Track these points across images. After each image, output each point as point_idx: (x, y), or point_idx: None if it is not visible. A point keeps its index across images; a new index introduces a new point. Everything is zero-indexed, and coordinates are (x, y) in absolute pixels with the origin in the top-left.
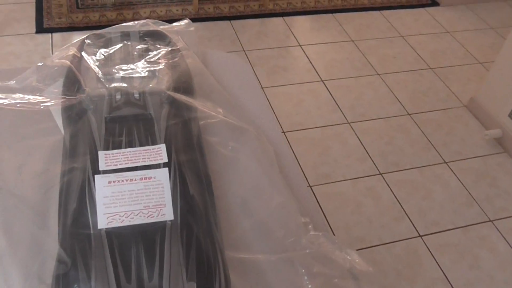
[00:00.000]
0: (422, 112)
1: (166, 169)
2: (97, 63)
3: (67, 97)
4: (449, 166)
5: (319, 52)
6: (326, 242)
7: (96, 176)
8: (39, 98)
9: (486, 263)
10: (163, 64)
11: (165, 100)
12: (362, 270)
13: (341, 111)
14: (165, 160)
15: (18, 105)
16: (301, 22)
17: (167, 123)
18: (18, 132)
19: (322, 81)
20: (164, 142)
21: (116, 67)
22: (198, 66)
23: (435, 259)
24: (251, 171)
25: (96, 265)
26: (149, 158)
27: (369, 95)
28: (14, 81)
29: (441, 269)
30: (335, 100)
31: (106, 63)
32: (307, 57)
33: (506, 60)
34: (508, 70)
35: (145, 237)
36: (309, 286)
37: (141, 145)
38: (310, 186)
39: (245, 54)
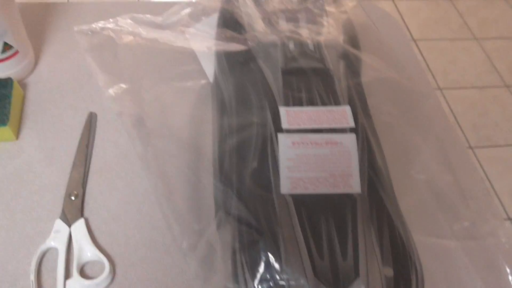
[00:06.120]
0: None
1: (354, 135)
2: (257, 5)
3: (226, 39)
4: None
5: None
6: None
7: (279, 134)
8: (188, 38)
9: None
10: (330, 13)
11: (341, 54)
12: None
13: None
14: (352, 124)
15: (164, 44)
16: None
17: (347, 81)
18: (164, 73)
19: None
20: (348, 104)
21: (279, 12)
22: (361, 18)
23: None
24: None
25: (284, 234)
26: (333, 120)
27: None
28: (161, 18)
29: None
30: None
31: (265, 5)
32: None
33: None
34: None
35: (335, 210)
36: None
37: (323, 104)
38: None
39: (394, 3)
